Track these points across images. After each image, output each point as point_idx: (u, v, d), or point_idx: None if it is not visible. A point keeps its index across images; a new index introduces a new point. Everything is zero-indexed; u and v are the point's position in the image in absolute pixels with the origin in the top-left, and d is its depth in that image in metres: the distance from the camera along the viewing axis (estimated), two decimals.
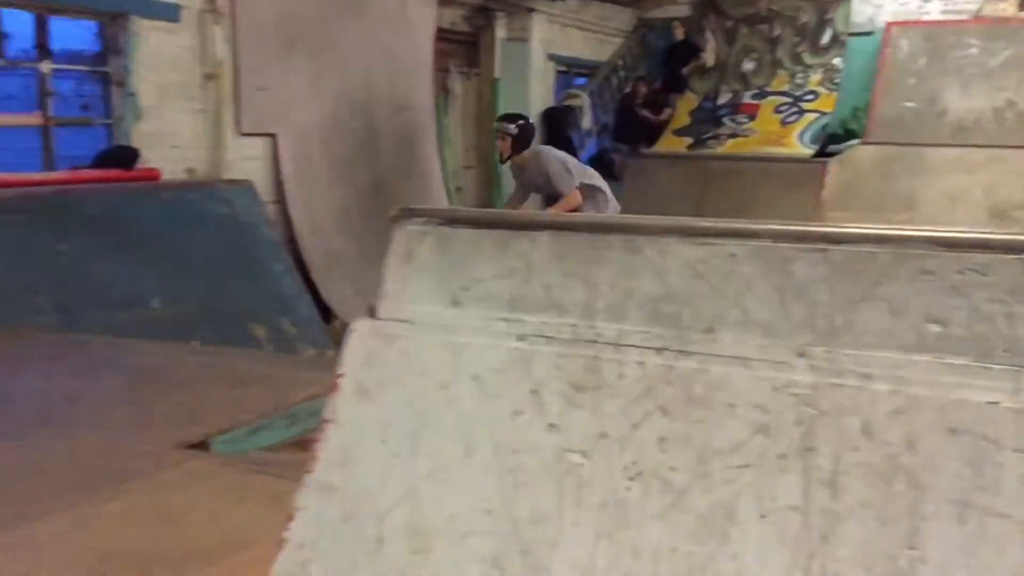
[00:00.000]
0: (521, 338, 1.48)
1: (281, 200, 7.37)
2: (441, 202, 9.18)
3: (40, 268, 5.13)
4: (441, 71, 9.47)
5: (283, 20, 7.29)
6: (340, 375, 1.61)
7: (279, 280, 6.62)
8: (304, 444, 3.42)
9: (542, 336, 1.47)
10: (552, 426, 1.41)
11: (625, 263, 1.41)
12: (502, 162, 6.68)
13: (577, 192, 6.21)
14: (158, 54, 6.34)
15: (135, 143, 6.26)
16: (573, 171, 6.33)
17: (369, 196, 8.30)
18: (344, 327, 6.50)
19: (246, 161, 7.12)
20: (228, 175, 6.92)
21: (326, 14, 7.74)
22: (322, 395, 3.63)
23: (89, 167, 6.09)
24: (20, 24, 5.87)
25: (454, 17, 9.61)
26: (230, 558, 2.14)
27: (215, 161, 6.87)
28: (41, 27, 5.93)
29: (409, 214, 1.64)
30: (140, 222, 5.84)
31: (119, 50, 6.18)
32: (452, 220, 1.59)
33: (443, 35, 9.20)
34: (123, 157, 6.12)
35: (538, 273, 1.49)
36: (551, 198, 6.47)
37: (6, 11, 5.70)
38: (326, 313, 7.15)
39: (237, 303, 6.09)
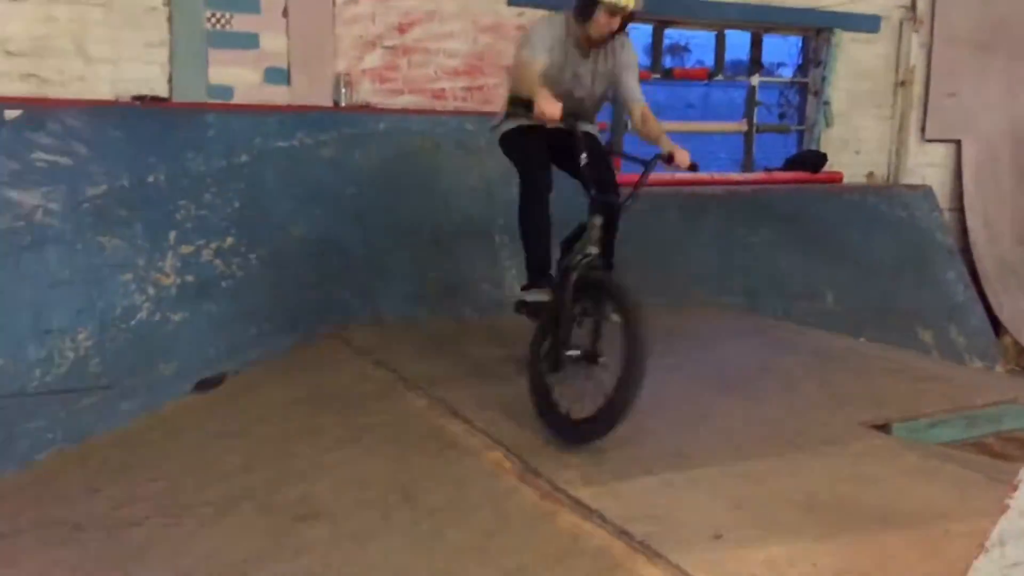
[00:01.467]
0: None
1: (959, 207, 7.23)
2: None
3: (735, 256, 5.90)
4: None
5: (983, 24, 7.09)
6: None
7: (950, 288, 6.55)
8: (984, 447, 3.49)
9: None
10: None
11: None
12: (595, 44, 3.67)
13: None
14: (854, 64, 6.72)
15: (823, 148, 6.74)
16: None
17: None
18: (1015, 344, 6.15)
19: (926, 167, 7.15)
20: (907, 180, 7.05)
21: None
22: (1006, 402, 3.65)
23: (781, 170, 6.75)
24: (738, 43, 6.75)
25: None
26: (928, 524, 2.38)
27: (896, 166, 7.05)
28: (756, 44, 6.72)
29: None
30: (821, 221, 6.30)
31: (819, 62, 6.71)
32: None
33: None
34: (812, 161, 6.65)
35: None
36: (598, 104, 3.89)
37: (729, 32, 6.57)
38: (995, 326, 6.84)
39: (906, 305, 6.22)
